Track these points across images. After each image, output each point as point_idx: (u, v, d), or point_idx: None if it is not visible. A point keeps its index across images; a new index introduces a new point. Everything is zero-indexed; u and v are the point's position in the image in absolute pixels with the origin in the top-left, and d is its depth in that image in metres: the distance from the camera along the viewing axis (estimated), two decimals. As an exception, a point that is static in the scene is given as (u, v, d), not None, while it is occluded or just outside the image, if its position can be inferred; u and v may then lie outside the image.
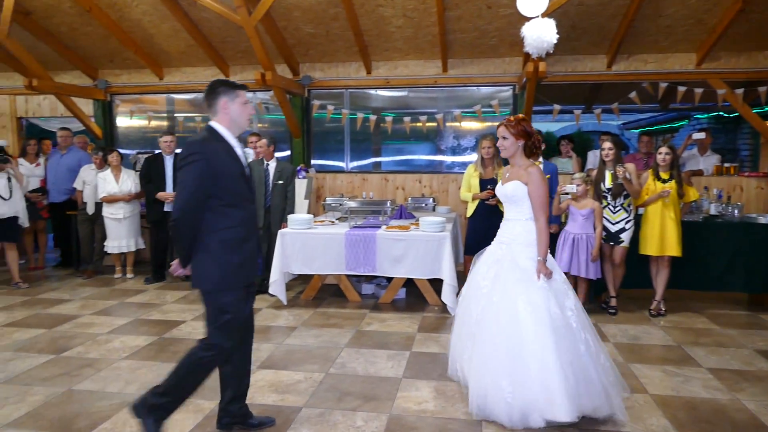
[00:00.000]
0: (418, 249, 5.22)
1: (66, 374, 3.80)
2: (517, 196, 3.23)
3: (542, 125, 13.05)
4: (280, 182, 5.85)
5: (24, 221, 6.32)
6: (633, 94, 6.79)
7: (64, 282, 6.62)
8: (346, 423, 3.10)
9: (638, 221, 5.23)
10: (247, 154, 2.93)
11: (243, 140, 7.91)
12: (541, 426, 2.92)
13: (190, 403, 3.32)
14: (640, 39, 6.46)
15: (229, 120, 2.77)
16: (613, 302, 5.27)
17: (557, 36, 4.83)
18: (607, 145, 5.14)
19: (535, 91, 6.40)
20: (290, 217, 5.60)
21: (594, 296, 5.57)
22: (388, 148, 7.74)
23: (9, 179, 6.10)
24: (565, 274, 5.07)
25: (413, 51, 6.97)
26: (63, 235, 7.46)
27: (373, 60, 7.21)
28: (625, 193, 5.08)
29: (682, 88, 6.63)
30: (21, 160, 7.20)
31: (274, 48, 6.87)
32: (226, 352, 2.77)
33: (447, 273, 5.16)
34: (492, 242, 3.50)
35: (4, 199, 6.02)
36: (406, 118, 7.25)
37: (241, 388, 2.97)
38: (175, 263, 2.75)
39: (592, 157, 6.96)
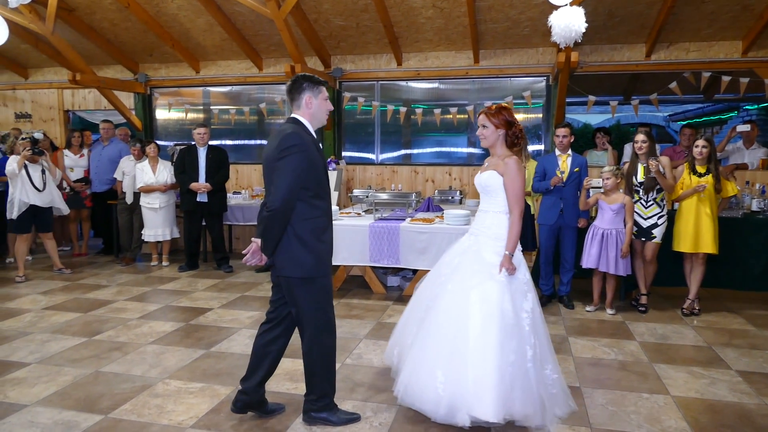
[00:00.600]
0: (441, 241, 5.18)
1: (95, 357, 3.97)
2: (491, 187, 3.11)
3: (580, 117, 12.69)
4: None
5: (61, 210, 6.50)
6: (673, 85, 6.52)
7: (104, 268, 6.90)
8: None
9: (673, 217, 5.04)
10: None
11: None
12: (467, 425, 2.77)
13: (207, 388, 3.43)
14: (682, 26, 6.19)
15: (310, 114, 2.90)
16: (644, 300, 5.10)
17: (591, 24, 4.68)
18: (640, 137, 4.96)
19: (570, 82, 6.23)
20: (316, 208, 5.65)
21: (624, 293, 5.42)
22: (418, 140, 7.70)
23: (43, 171, 6.29)
24: (594, 270, 5.04)
25: (444, 42, 6.90)
26: (105, 224, 7.77)
27: (404, 51, 7.18)
28: (658, 187, 4.89)
29: (726, 78, 6.32)
30: (66, 152, 7.54)
31: (305, 41, 6.93)
32: (332, 333, 2.97)
33: (470, 267, 5.10)
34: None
35: (39, 190, 6.21)
36: (437, 110, 7.20)
37: (269, 373, 3.06)
38: (251, 252, 2.85)
39: (629, 150, 6.72)
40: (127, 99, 8.20)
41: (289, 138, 2.74)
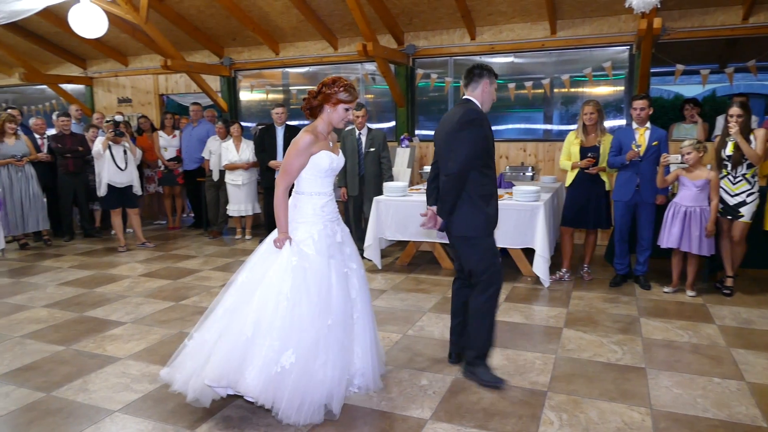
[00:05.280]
0: (509, 218, 5.12)
1: (181, 319, 4.36)
2: None
3: (672, 88, 11.79)
4: (372, 149, 6.03)
5: (137, 190, 6.91)
6: (775, 49, 5.95)
7: (194, 241, 7.46)
8: (411, 381, 3.24)
9: (765, 194, 4.67)
10: None
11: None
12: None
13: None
14: (787, -16, 5.61)
15: (482, 99, 3.21)
16: (729, 282, 4.79)
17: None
18: (735, 110, 4.57)
19: (656, 50, 5.88)
20: (386, 184, 5.76)
21: (708, 275, 5.10)
22: (492, 116, 7.50)
23: (125, 152, 6.73)
24: (674, 250, 4.78)
25: (519, 14, 6.69)
26: (195, 200, 8.36)
27: (477, 26, 7.04)
28: (747, 162, 4.54)
29: (839, 40, 5.68)
30: (160, 132, 8.14)
31: (378, 19, 6.99)
32: (500, 286, 3.26)
33: (539, 244, 5.03)
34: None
35: (121, 170, 6.67)
36: (511, 85, 7.03)
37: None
38: (429, 215, 3.23)
39: (722, 122, 6.24)
40: (214, 82, 8.68)
41: (471, 113, 3.09)
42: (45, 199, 7.22)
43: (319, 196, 2.99)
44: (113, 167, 6.62)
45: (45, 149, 7.42)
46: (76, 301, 4.86)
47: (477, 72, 3.20)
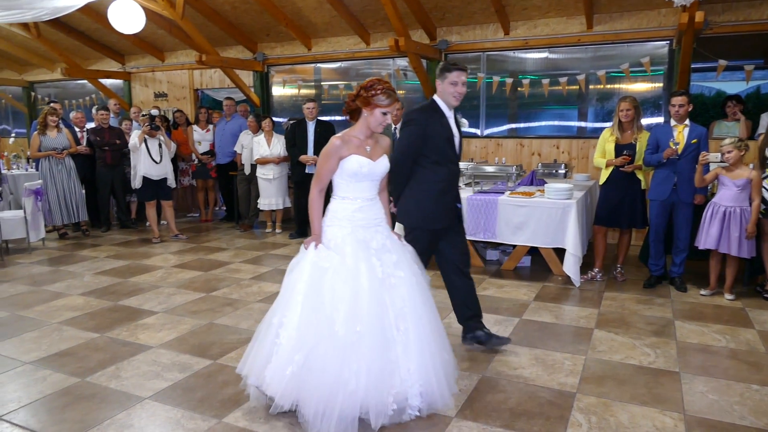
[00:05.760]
0: (540, 216, 5.05)
1: (211, 310, 4.43)
2: None
3: (713, 84, 11.40)
4: (406, 146, 6.00)
5: (172, 183, 7.04)
6: (826, 44, 5.68)
7: (225, 233, 7.57)
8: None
9: (811, 195, 4.47)
10: (462, 123, 3.54)
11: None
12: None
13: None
14: (840, -25, 5.35)
15: (442, 97, 3.36)
16: (771, 286, 4.61)
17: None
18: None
19: (698, 45, 5.68)
20: (415, 180, 5.73)
21: (748, 278, 4.92)
22: (525, 113, 7.45)
23: (160, 145, 6.85)
24: (712, 251, 4.63)
25: (554, 8, 6.56)
26: (227, 193, 8.48)
27: (511, 20, 6.93)
28: (793, 161, 4.36)
29: None
30: (195, 127, 8.28)
31: (411, 14, 6.94)
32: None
33: (571, 243, 4.94)
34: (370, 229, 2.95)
35: (156, 163, 6.80)
36: (545, 81, 6.90)
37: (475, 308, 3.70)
38: (393, 204, 3.50)
39: (766, 120, 6.01)
40: (247, 77, 8.78)
41: (408, 114, 3.36)
42: (83, 191, 7.43)
43: (351, 201, 2.88)
44: (148, 160, 6.75)
45: (84, 142, 7.64)
46: (112, 290, 4.99)
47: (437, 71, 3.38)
